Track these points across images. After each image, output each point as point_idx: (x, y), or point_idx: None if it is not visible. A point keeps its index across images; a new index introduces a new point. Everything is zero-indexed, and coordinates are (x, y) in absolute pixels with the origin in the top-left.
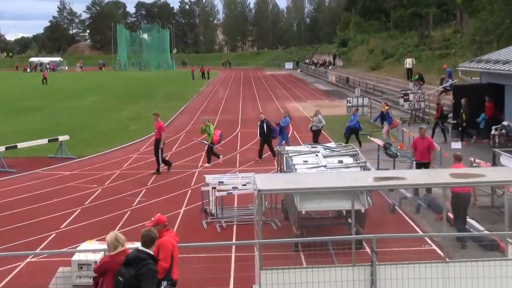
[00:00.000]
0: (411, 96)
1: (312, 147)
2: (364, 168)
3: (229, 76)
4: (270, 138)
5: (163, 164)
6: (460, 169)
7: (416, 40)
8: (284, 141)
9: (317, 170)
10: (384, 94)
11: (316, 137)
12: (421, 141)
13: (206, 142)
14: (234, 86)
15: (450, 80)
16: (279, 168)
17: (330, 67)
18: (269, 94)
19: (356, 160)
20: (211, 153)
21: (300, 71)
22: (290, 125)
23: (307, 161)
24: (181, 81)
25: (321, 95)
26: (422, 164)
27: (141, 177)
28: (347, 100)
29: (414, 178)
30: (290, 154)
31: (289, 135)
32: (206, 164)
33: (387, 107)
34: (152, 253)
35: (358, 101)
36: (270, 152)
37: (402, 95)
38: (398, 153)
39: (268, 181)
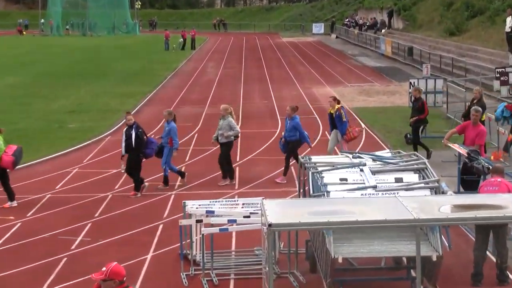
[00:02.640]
0: (511, 76)
1: (353, 156)
2: (437, 190)
3: (224, 44)
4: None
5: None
6: None
7: None
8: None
9: (363, 194)
10: (469, 74)
11: (225, 155)
12: (472, 128)
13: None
14: (232, 60)
15: None
16: (301, 190)
17: (383, 30)
18: (287, 74)
19: (424, 178)
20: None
21: (337, 37)
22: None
23: (346, 180)
24: (148, 53)
25: (369, 74)
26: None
27: (86, 204)
28: (410, 84)
29: None
30: (320, 169)
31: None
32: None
33: (338, 106)
34: None
35: (427, 84)
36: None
37: (498, 75)
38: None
39: (285, 210)
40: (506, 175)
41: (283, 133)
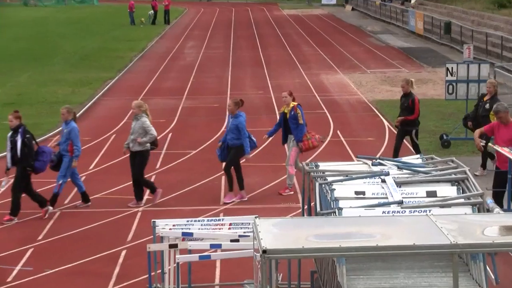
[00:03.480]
0: None
1: (373, 163)
2: (481, 207)
3: (207, 18)
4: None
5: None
6: None
7: None
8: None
9: (385, 212)
10: None
11: (139, 169)
12: (504, 128)
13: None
14: (217, 39)
15: None
16: (306, 207)
17: (412, 1)
18: (289, 56)
19: (464, 191)
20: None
21: (353, 9)
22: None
23: (363, 193)
24: (108, 29)
25: (394, 57)
26: (498, 173)
27: (26, 224)
28: (448, 70)
29: None
30: (330, 179)
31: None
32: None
33: (294, 103)
34: None
35: (469, 71)
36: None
37: None
38: None
39: (284, 233)
40: None
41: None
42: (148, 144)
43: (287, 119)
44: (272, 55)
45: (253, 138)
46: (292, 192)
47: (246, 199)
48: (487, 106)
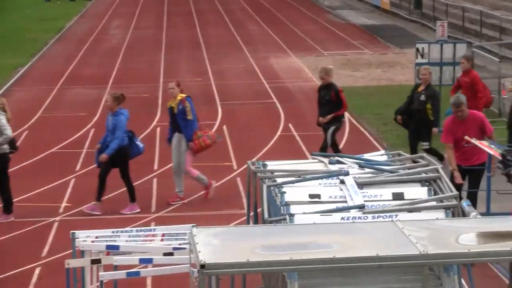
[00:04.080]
0: None
1: (330, 162)
2: (456, 211)
3: None
4: None
5: None
6: None
7: None
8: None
9: (344, 218)
10: (505, 35)
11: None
12: (461, 126)
13: None
14: (147, 16)
15: None
16: (252, 214)
17: None
18: (232, 37)
19: (436, 193)
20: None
21: None
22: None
23: (318, 197)
24: (19, 5)
25: (356, 37)
26: (468, 171)
27: None
28: (418, 50)
29: None
30: (279, 180)
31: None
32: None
33: (181, 96)
34: None
35: (443, 52)
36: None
37: None
38: None
39: (226, 244)
40: None
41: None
42: (6, 146)
43: (175, 115)
44: (213, 35)
45: (138, 142)
46: (138, 210)
47: (138, 210)
48: (422, 97)
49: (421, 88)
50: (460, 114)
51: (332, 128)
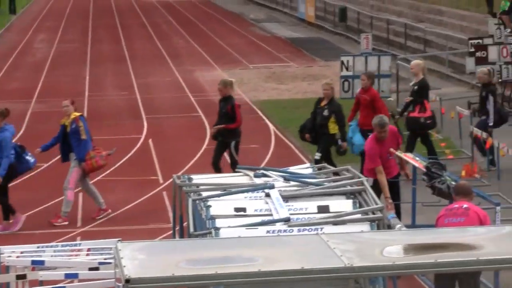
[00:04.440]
0: (492, 51)
1: (256, 175)
2: (381, 223)
3: (61, 5)
4: None
5: None
6: None
7: None
8: None
9: (269, 232)
10: (430, 47)
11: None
12: (381, 146)
13: None
14: (72, 30)
15: None
16: (177, 228)
17: None
18: (158, 50)
19: (362, 205)
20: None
21: None
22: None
23: (244, 210)
24: None
25: (281, 49)
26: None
27: None
28: (343, 63)
29: (499, 246)
30: (205, 194)
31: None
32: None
33: (76, 114)
34: None
35: (368, 64)
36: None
37: (472, 49)
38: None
39: (152, 258)
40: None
41: None
42: None
43: (68, 133)
44: (138, 48)
45: (28, 157)
46: (67, 223)
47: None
48: (326, 112)
49: (323, 103)
50: (383, 135)
51: (233, 143)
